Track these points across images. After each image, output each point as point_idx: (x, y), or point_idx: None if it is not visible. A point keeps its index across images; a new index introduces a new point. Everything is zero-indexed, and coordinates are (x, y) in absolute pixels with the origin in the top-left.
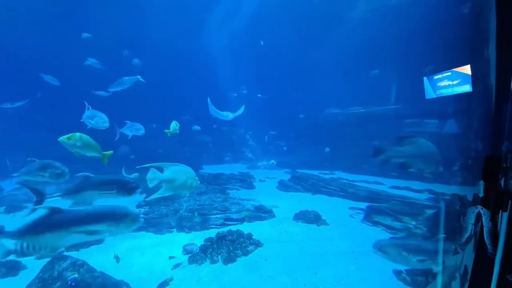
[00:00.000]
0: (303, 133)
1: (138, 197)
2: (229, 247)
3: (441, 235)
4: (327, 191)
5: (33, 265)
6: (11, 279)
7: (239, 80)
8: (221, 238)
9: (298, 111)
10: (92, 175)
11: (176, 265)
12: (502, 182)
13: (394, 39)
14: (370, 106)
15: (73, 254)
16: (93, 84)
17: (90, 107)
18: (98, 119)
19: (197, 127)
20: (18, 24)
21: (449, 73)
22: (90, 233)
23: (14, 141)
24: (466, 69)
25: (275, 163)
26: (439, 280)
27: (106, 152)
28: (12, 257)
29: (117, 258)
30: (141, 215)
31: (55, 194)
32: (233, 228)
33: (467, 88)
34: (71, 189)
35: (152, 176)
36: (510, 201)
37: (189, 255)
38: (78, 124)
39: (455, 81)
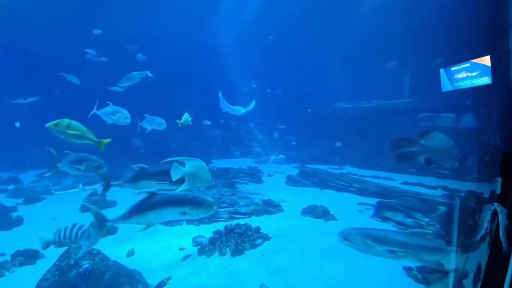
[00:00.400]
0: (312, 127)
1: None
2: (237, 240)
3: (455, 232)
4: (336, 186)
5: (51, 254)
6: (29, 267)
7: (248, 74)
8: (229, 231)
9: (307, 106)
10: (147, 166)
11: (186, 256)
12: None
13: (407, 30)
14: (382, 100)
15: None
16: (106, 80)
17: (111, 103)
18: (120, 115)
19: (207, 122)
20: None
21: (467, 65)
22: (180, 213)
23: (33, 135)
24: (486, 60)
25: (283, 157)
26: (451, 278)
27: (103, 140)
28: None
29: (131, 252)
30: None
31: (116, 182)
32: (241, 221)
33: (486, 80)
34: (130, 178)
35: (176, 170)
36: None
37: (199, 247)
38: (94, 119)
39: (473, 73)
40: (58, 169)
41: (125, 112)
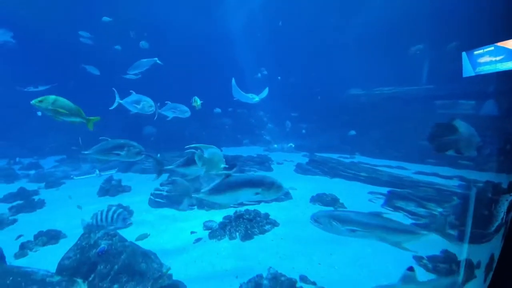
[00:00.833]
0: (324, 115)
1: (162, 176)
2: (247, 225)
3: (469, 222)
4: (346, 175)
5: (72, 234)
6: (52, 246)
7: (258, 61)
8: (239, 216)
9: (318, 93)
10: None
11: (197, 240)
12: None
13: (424, 12)
14: (396, 87)
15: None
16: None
17: (133, 92)
18: (144, 104)
19: (217, 110)
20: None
21: (491, 48)
22: (254, 194)
23: (51, 123)
24: (510, 44)
25: (293, 146)
26: (462, 268)
27: (92, 117)
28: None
29: (144, 235)
30: (165, 193)
31: (169, 167)
32: (251, 208)
33: (511, 65)
34: (182, 163)
35: (199, 157)
36: None
37: (209, 231)
38: (109, 106)
39: (498, 57)
40: (89, 156)
41: (149, 101)
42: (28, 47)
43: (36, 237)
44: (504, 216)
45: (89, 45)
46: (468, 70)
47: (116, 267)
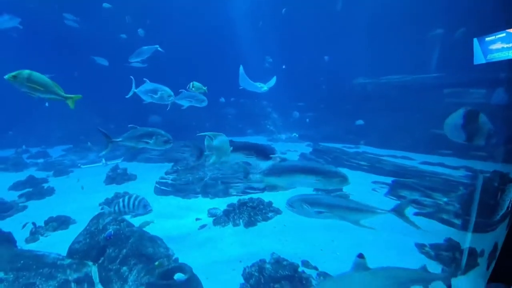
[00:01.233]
0: (330, 104)
1: (167, 165)
2: (250, 212)
3: (474, 211)
4: (350, 165)
5: (81, 220)
6: (62, 231)
7: (262, 50)
8: (242, 204)
9: (323, 82)
10: (235, 140)
11: (202, 226)
12: None
13: None
14: (405, 75)
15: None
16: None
17: (147, 80)
18: (163, 93)
19: (222, 99)
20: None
21: (503, 34)
22: (315, 180)
23: (58, 113)
24: None
25: (297, 136)
26: (465, 256)
27: (73, 96)
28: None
29: (146, 223)
30: (169, 181)
31: (207, 152)
32: (254, 196)
33: None
34: None
35: (209, 144)
36: None
37: (214, 218)
38: (113, 96)
39: (510, 44)
40: (115, 144)
41: (167, 90)
42: (33, 35)
43: (46, 222)
44: (510, 205)
45: (94, 34)
46: (479, 57)
47: (124, 250)
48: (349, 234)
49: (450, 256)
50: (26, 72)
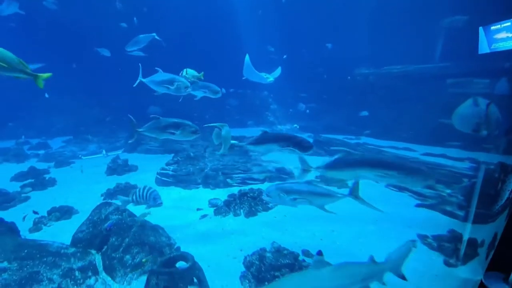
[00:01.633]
0: (330, 95)
1: (167, 156)
2: (251, 203)
3: (474, 202)
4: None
5: (84, 210)
6: (65, 221)
7: (262, 39)
8: (243, 194)
9: (322, 72)
10: (269, 131)
11: (203, 216)
12: None
13: None
14: (407, 65)
15: (116, 201)
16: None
17: (160, 70)
18: (180, 84)
19: (223, 90)
20: None
21: (508, 24)
22: (378, 175)
23: (57, 105)
24: None
25: (298, 127)
26: (463, 245)
27: (42, 74)
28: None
29: (143, 215)
30: (170, 172)
31: (240, 143)
32: (255, 186)
33: None
34: (254, 141)
35: (217, 135)
36: None
37: (214, 208)
38: (112, 87)
39: None
40: (140, 134)
41: (184, 81)
42: (31, 26)
43: (49, 212)
44: (510, 196)
45: (93, 25)
46: (483, 47)
47: (127, 239)
48: (349, 225)
49: (452, 247)
50: None
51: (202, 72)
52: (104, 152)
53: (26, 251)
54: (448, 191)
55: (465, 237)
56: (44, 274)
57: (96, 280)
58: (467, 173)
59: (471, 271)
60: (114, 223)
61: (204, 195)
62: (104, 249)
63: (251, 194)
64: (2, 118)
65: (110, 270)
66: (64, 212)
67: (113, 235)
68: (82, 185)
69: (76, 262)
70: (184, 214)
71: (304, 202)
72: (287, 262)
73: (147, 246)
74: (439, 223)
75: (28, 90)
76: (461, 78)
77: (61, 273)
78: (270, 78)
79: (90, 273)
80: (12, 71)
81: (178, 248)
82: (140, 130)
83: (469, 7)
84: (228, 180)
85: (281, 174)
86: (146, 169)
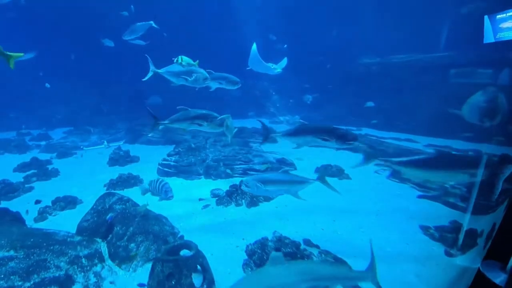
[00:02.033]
0: (333, 85)
1: (168, 147)
2: None
3: (474, 193)
4: (352, 147)
5: (88, 200)
6: (70, 211)
7: (264, 28)
8: None
9: (324, 61)
10: (307, 123)
11: (205, 206)
12: None
13: None
14: (411, 54)
15: (120, 192)
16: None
17: (177, 60)
18: (199, 76)
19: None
20: None
21: None
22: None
23: (57, 96)
24: None
25: (299, 118)
26: (461, 235)
27: (13, 54)
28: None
29: (143, 206)
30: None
31: (275, 134)
32: None
33: None
34: (291, 132)
35: (225, 124)
36: None
37: (216, 198)
38: (112, 76)
39: None
40: (161, 126)
41: (203, 72)
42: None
43: (53, 202)
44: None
45: (92, 14)
46: (489, 36)
47: (131, 228)
48: (350, 215)
49: (454, 238)
50: None
51: (197, 61)
52: (105, 142)
53: (32, 239)
54: (452, 182)
55: (465, 228)
56: (52, 262)
57: (103, 267)
58: None
59: (469, 259)
60: (115, 216)
61: (206, 186)
62: (109, 238)
63: None
64: (3, 108)
65: (115, 258)
66: (69, 202)
67: (117, 224)
68: (85, 175)
69: (83, 250)
70: (187, 204)
71: (280, 191)
72: (288, 251)
73: (151, 235)
74: (442, 214)
75: (28, 81)
76: (466, 68)
77: (68, 260)
78: (277, 69)
79: (96, 261)
80: None
81: (182, 237)
82: (164, 122)
83: None
84: (228, 170)
85: (282, 165)
86: (148, 160)
